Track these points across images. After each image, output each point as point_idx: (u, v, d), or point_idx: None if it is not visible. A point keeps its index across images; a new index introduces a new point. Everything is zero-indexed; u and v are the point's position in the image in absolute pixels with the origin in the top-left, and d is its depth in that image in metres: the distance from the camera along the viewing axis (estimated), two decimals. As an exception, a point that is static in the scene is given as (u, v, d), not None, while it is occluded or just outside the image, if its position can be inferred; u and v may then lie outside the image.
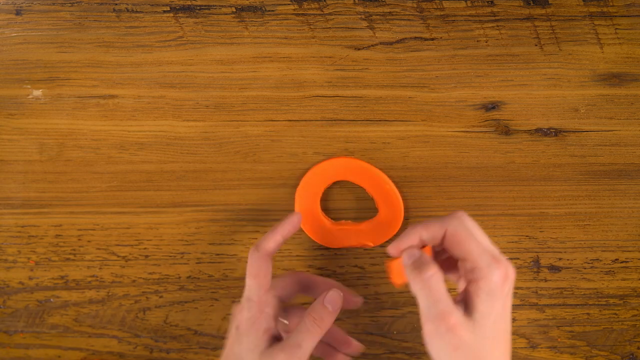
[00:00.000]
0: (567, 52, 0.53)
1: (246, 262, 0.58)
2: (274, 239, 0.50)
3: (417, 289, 0.44)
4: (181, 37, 0.54)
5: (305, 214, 0.55)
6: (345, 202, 0.56)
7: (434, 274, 0.43)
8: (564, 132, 0.54)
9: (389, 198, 0.54)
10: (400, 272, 0.45)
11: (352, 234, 0.55)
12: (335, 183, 0.56)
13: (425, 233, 0.45)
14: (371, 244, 0.55)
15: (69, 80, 0.55)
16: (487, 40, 0.53)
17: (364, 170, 0.55)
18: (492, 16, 0.53)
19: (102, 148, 0.56)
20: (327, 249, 0.57)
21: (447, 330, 0.42)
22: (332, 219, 0.56)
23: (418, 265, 0.44)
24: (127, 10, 0.54)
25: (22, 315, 0.59)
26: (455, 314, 0.42)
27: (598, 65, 0.53)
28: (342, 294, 0.49)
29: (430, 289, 0.43)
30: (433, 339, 0.43)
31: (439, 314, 0.42)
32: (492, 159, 0.55)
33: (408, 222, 0.56)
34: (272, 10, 0.53)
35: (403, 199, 0.56)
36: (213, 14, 0.53)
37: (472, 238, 0.44)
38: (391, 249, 0.46)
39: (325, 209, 0.56)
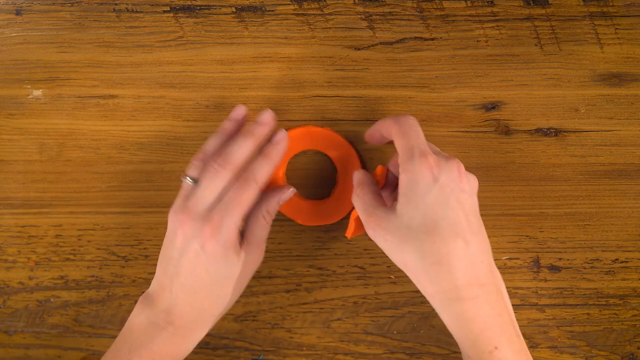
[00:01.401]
0: (567, 52, 0.53)
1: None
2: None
3: (354, 203, 0.49)
4: (181, 37, 0.54)
5: (269, 185, 0.54)
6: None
7: (365, 186, 0.48)
8: (564, 132, 0.54)
9: (352, 164, 0.55)
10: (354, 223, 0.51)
11: (313, 208, 0.55)
12: (301, 152, 0.56)
13: (382, 129, 0.50)
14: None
15: (69, 80, 0.55)
16: (487, 40, 0.53)
17: (327, 138, 0.54)
18: (492, 16, 0.53)
19: (102, 148, 0.56)
20: (327, 249, 0.57)
21: (375, 227, 0.46)
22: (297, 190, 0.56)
23: (357, 184, 0.49)
24: (127, 10, 0.54)
25: (22, 315, 0.59)
26: (378, 211, 0.46)
27: (598, 65, 0.53)
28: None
29: (362, 199, 0.48)
30: (374, 238, 0.47)
31: (367, 216, 0.47)
32: (492, 159, 0.55)
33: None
34: (272, 10, 0.53)
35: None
36: (213, 14, 0.53)
37: (402, 135, 0.47)
38: (367, 137, 0.52)
39: (290, 179, 0.56)
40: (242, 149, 0.49)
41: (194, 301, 0.48)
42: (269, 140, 0.50)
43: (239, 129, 0.52)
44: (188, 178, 0.49)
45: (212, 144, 0.50)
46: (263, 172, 0.49)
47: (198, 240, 0.47)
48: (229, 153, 0.48)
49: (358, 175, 0.50)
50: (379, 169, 0.50)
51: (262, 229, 0.50)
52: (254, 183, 0.48)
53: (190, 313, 0.48)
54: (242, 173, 0.48)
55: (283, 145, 0.50)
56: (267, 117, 0.50)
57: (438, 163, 0.45)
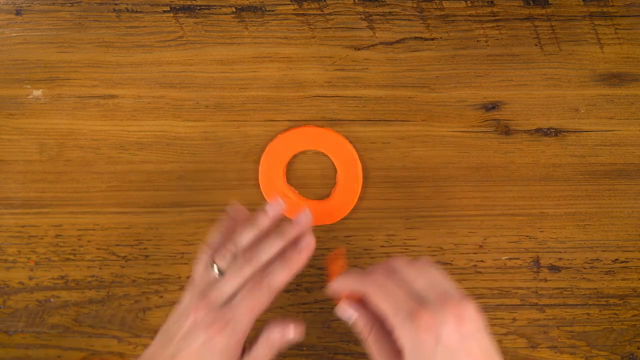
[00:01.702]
0: (567, 52, 0.53)
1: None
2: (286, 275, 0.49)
3: (369, 348, 0.46)
4: (181, 37, 0.54)
5: (269, 185, 0.55)
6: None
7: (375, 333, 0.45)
8: (564, 132, 0.54)
9: (352, 164, 0.55)
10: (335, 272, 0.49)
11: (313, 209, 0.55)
12: (300, 153, 0.56)
13: (353, 288, 0.47)
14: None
15: (69, 80, 0.55)
16: (487, 40, 0.53)
17: (327, 138, 0.55)
18: (492, 16, 0.53)
19: (102, 148, 0.56)
20: (327, 249, 0.57)
21: None
22: (297, 189, 0.56)
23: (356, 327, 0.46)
24: (127, 10, 0.54)
25: (22, 315, 0.59)
26: None
27: (598, 65, 0.53)
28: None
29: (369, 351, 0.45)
30: None
31: None
32: (492, 159, 0.55)
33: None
34: (272, 10, 0.53)
35: (402, 199, 0.56)
36: (213, 14, 0.53)
37: (384, 297, 0.44)
38: (330, 292, 0.48)
39: (290, 179, 0.56)
40: (272, 250, 0.48)
41: None
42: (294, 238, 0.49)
43: (273, 223, 0.50)
44: (216, 268, 0.49)
45: (246, 238, 0.49)
46: (280, 279, 0.48)
47: (208, 331, 0.47)
48: (259, 252, 0.48)
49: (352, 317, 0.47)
50: (333, 259, 0.49)
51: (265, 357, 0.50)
52: (267, 289, 0.48)
53: None
54: (260, 274, 0.48)
55: (306, 254, 0.49)
56: (305, 219, 0.49)
57: (434, 318, 0.41)
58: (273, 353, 0.49)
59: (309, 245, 0.49)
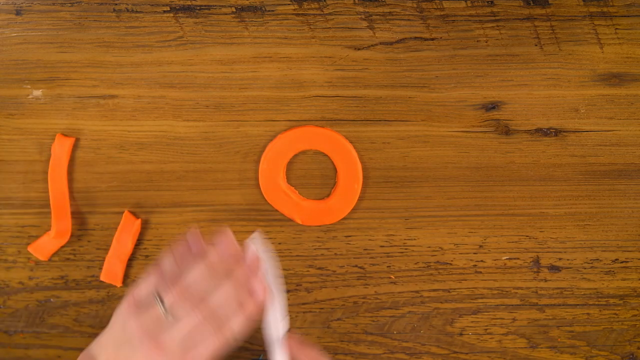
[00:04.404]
0: (567, 52, 0.53)
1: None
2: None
3: None
4: (181, 37, 0.54)
5: (269, 185, 0.55)
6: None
7: None
8: (564, 132, 0.54)
9: (352, 164, 0.55)
10: None
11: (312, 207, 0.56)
12: (300, 152, 0.56)
13: None
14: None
15: (69, 80, 0.55)
16: (487, 40, 0.53)
17: (327, 138, 0.55)
18: (492, 16, 0.53)
19: (102, 148, 0.56)
20: (327, 249, 0.57)
21: None
22: (296, 189, 0.56)
23: None
24: (127, 10, 0.54)
25: (22, 315, 0.59)
26: None
27: (598, 65, 0.53)
28: None
29: None
30: None
31: None
32: (492, 159, 0.55)
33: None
34: (272, 10, 0.53)
35: (402, 199, 0.56)
36: (213, 14, 0.53)
37: None
38: None
39: (289, 179, 0.56)
40: (224, 295, 0.46)
41: None
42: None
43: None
44: (161, 305, 0.47)
45: (195, 276, 0.47)
46: (238, 328, 0.46)
47: None
48: (210, 297, 0.46)
49: None
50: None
51: None
52: (225, 339, 0.46)
53: None
54: (216, 320, 0.46)
55: (261, 300, 0.47)
56: (254, 263, 0.48)
57: None
58: None
59: (262, 290, 0.47)
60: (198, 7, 0.53)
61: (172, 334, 0.46)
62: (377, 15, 0.53)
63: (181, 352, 0.46)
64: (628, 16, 0.52)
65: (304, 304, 0.57)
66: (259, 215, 0.56)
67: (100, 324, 0.58)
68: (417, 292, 0.57)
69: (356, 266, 0.57)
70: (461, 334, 0.58)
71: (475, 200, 0.56)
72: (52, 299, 0.58)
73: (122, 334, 0.47)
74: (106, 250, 0.57)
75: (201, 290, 0.46)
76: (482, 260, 0.56)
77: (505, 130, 0.55)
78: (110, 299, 0.58)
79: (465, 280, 0.57)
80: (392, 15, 0.53)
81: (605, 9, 0.52)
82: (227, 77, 0.55)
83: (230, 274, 0.47)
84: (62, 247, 0.57)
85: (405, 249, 0.57)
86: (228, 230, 0.48)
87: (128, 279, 0.58)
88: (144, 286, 0.48)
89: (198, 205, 0.57)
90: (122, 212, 0.57)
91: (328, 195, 0.56)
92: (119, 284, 0.57)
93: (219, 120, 0.55)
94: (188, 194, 0.56)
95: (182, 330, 0.46)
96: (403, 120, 0.55)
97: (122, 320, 0.48)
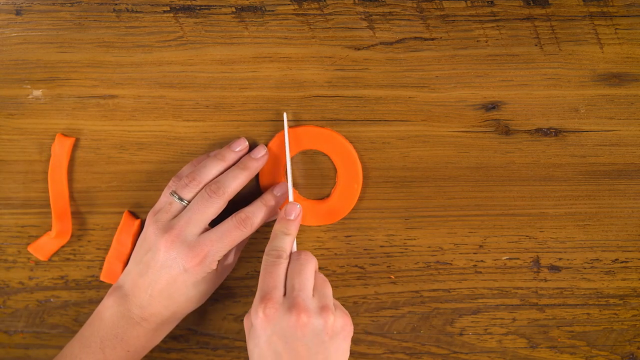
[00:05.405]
0: (567, 52, 0.53)
1: (246, 262, 0.58)
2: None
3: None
4: (181, 37, 0.54)
5: (269, 184, 0.55)
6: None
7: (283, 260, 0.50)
8: (564, 132, 0.54)
9: (352, 164, 0.55)
10: None
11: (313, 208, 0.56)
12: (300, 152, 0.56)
13: None
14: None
15: (69, 80, 0.55)
16: (487, 40, 0.53)
17: (327, 138, 0.55)
18: (492, 16, 0.53)
19: (102, 148, 0.56)
20: (327, 249, 0.57)
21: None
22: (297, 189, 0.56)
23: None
24: (127, 10, 0.54)
25: (22, 315, 0.59)
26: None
27: (598, 65, 0.53)
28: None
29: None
30: None
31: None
32: (492, 159, 0.55)
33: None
34: (272, 10, 0.53)
35: (402, 199, 0.56)
36: (213, 14, 0.53)
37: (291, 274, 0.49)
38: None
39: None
40: (237, 181, 0.51)
41: (169, 305, 0.51)
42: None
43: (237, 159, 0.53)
44: (177, 197, 0.51)
45: (210, 170, 0.52)
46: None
47: (183, 263, 0.49)
48: (224, 183, 0.51)
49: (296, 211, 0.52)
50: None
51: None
52: (245, 225, 0.51)
53: (164, 313, 0.51)
54: (240, 214, 0.51)
55: (263, 162, 0.53)
56: (261, 152, 0.53)
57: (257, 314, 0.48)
58: (269, 214, 0.52)
59: (264, 154, 0.53)
60: (198, 7, 0.53)
61: (188, 220, 0.50)
62: (377, 15, 0.53)
63: (199, 241, 0.50)
64: (628, 16, 0.52)
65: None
66: (259, 215, 0.56)
67: (100, 324, 0.58)
68: (417, 292, 0.57)
69: (356, 266, 0.57)
70: (461, 334, 0.58)
71: (475, 200, 0.56)
72: (52, 299, 0.58)
73: (143, 246, 0.51)
74: (106, 250, 0.57)
75: (212, 175, 0.52)
76: (482, 260, 0.56)
77: (505, 130, 0.55)
78: (110, 299, 0.58)
79: (465, 280, 0.57)
80: (392, 15, 0.53)
81: (605, 9, 0.52)
82: (227, 77, 0.55)
83: (241, 163, 0.52)
84: (62, 247, 0.57)
85: (405, 249, 0.57)
86: (242, 138, 0.53)
87: (128, 279, 0.58)
88: (162, 196, 0.53)
89: (198, 205, 0.56)
90: (122, 212, 0.57)
91: (328, 195, 0.56)
92: None
93: (219, 120, 0.55)
94: (188, 194, 0.56)
95: (199, 217, 0.50)
96: (403, 120, 0.55)
97: (143, 234, 0.52)
